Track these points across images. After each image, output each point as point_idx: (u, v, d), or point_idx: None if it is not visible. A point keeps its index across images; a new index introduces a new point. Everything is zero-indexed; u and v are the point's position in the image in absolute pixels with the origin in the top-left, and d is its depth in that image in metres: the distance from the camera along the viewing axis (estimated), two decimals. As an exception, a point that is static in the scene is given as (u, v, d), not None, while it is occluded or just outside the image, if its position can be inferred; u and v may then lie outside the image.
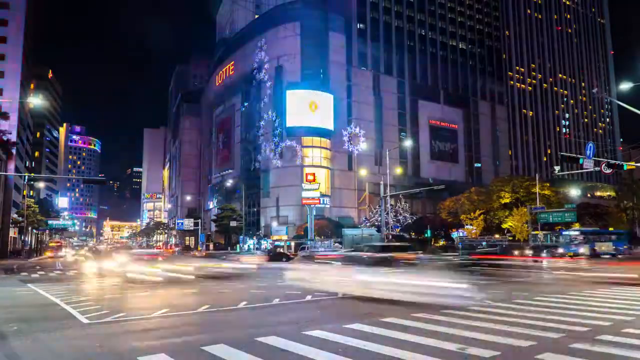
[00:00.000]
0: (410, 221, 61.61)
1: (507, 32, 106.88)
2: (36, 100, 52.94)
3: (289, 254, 49.73)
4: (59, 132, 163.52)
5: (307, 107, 72.73)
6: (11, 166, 70.62)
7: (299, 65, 75.01)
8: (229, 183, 79.44)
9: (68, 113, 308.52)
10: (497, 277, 21.62)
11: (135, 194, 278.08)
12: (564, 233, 45.68)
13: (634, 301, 13.14)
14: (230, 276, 22.86)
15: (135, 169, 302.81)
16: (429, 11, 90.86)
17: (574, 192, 75.15)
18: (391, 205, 57.50)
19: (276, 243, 66.47)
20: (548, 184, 64.45)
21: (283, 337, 8.51)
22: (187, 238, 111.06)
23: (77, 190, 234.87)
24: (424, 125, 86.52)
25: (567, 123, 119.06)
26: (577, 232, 44.22)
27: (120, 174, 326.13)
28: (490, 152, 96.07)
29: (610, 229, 63.69)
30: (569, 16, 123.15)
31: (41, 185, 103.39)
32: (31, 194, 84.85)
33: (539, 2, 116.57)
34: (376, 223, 57.75)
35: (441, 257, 27.72)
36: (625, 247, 46.23)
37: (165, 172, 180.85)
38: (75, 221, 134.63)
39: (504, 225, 60.23)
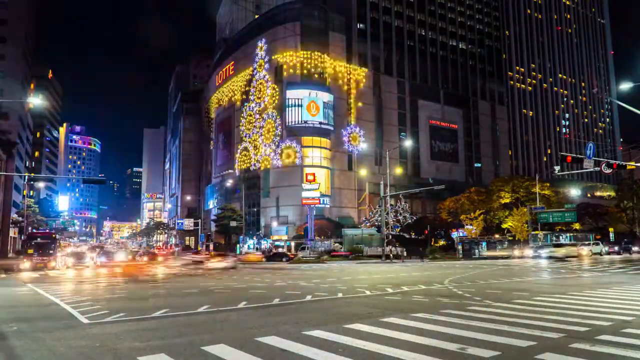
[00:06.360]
0: (410, 221, 61.59)
1: (507, 32, 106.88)
2: (36, 100, 52.73)
3: (289, 254, 49.68)
4: (59, 132, 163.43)
5: (307, 107, 72.71)
6: (11, 166, 70.58)
7: (299, 65, 74.99)
8: (229, 183, 79.40)
9: (68, 113, 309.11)
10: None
11: (135, 194, 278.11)
12: None
13: (634, 301, 13.13)
14: None
15: (135, 169, 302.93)
16: (429, 11, 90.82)
17: (574, 192, 75.19)
18: (391, 205, 57.47)
19: (276, 243, 66.45)
20: (548, 184, 64.45)
21: (283, 337, 8.51)
22: (187, 238, 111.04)
23: (77, 190, 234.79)
24: (424, 125, 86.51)
25: (567, 123, 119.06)
26: None
27: (120, 174, 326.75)
28: (490, 152, 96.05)
29: (611, 229, 63.75)
30: (569, 16, 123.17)
31: (41, 185, 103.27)
32: (31, 194, 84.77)
33: (539, 2, 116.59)
34: (376, 223, 57.70)
35: None
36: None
37: (165, 172, 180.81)
38: (75, 221, 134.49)
39: (504, 225, 60.23)
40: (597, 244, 50.28)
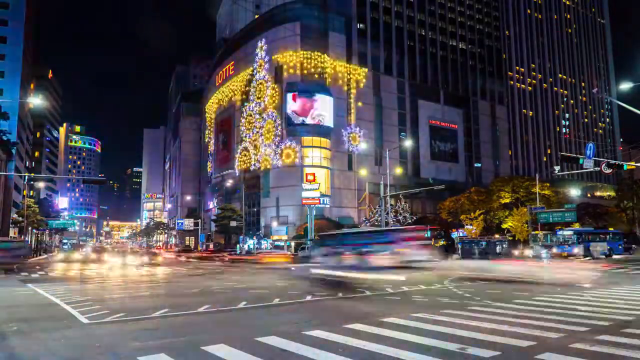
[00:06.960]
0: (410, 221, 61.61)
1: (507, 32, 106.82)
2: (36, 100, 52.79)
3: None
4: (59, 132, 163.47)
5: (307, 107, 72.72)
6: (11, 166, 70.60)
7: (299, 65, 74.98)
8: (229, 183, 79.41)
9: (68, 113, 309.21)
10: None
11: (135, 194, 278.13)
12: (558, 233, 45.47)
13: (634, 301, 13.14)
14: None
15: (135, 169, 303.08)
16: (429, 11, 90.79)
17: (574, 192, 75.07)
18: (391, 205, 57.48)
19: (276, 243, 66.44)
20: (548, 184, 64.43)
21: (283, 337, 8.51)
22: (187, 238, 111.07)
23: (77, 190, 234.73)
24: (424, 125, 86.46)
25: (567, 123, 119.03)
26: (570, 232, 43.99)
27: (120, 174, 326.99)
28: (490, 152, 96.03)
29: (611, 228, 63.72)
30: (569, 16, 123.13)
31: (41, 185, 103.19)
32: (31, 194, 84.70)
33: (539, 2, 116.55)
34: (376, 223, 57.71)
35: None
36: (620, 246, 46.40)
37: (165, 172, 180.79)
38: (75, 221, 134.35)
39: (504, 225, 60.21)
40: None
